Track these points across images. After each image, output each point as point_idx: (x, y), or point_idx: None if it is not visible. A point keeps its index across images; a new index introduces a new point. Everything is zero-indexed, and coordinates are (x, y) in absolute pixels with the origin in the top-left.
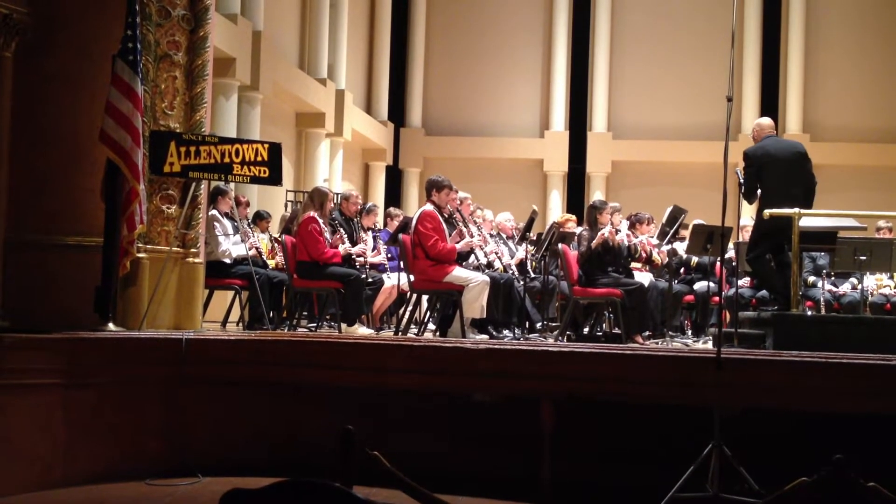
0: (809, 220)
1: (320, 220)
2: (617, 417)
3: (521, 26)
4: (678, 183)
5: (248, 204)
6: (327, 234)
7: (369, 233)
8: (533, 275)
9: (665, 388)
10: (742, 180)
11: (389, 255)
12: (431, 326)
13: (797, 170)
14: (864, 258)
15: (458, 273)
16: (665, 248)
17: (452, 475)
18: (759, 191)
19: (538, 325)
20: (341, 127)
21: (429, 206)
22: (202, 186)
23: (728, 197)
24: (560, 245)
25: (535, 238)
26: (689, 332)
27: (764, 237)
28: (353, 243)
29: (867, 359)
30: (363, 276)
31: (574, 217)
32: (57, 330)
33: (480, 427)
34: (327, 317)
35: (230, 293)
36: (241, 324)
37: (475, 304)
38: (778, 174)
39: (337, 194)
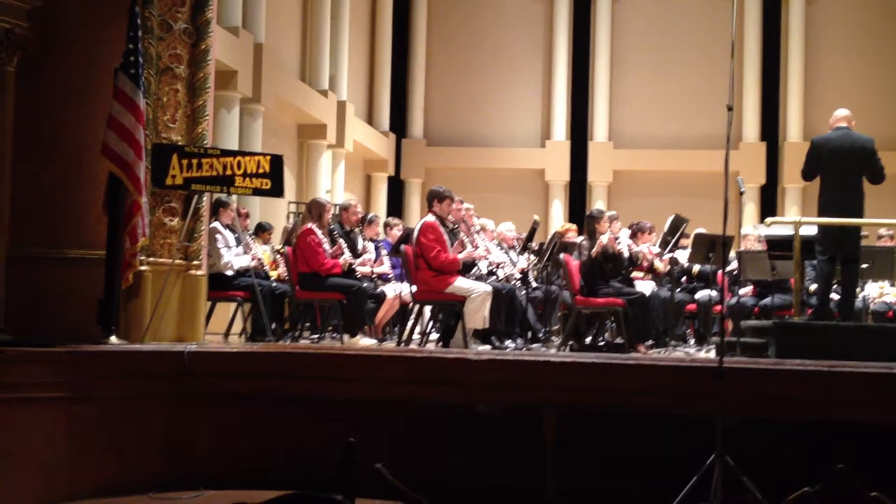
0: (812, 228)
1: (318, 232)
2: (619, 428)
3: (522, 36)
4: (679, 192)
5: (247, 216)
6: (326, 246)
7: (371, 244)
8: (535, 284)
9: (667, 398)
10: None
11: (392, 265)
12: (434, 337)
13: (856, 170)
14: (866, 266)
15: (460, 284)
16: (667, 256)
17: (454, 487)
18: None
19: (540, 336)
20: (343, 138)
21: (430, 217)
22: (204, 199)
23: (729, 206)
24: (562, 255)
25: (536, 248)
26: (692, 341)
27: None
28: (355, 254)
29: (869, 367)
30: (367, 286)
31: (575, 227)
32: (60, 343)
33: (483, 438)
34: (330, 328)
35: (232, 305)
36: (243, 336)
37: (477, 314)
38: (834, 173)
39: (336, 205)
